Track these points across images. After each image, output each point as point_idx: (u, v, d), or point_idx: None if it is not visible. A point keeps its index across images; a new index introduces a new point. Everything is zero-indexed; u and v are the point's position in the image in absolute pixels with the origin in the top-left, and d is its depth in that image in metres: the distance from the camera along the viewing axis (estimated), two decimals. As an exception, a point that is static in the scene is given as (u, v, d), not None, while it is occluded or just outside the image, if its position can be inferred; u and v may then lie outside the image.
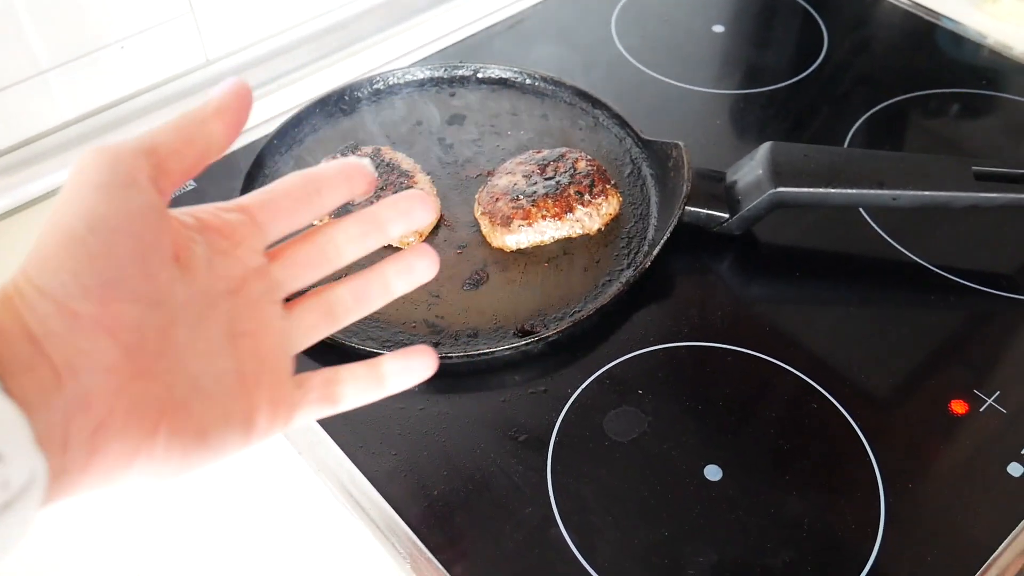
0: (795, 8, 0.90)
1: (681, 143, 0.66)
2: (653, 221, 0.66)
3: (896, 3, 0.91)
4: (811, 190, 0.62)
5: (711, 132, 0.77)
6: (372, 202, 0.65)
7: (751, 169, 0.64)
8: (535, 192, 0.65)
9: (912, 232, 0.67)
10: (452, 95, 0.77)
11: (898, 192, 0.62)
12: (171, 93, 0.76)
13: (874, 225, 0.68)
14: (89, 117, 0.74)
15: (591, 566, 0.49)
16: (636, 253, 0.64)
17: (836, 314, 0.63)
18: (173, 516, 0.53)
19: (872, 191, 0.62)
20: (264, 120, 0.76)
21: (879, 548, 0.50)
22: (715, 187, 0.65)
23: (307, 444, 0.55)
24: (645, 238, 0.65)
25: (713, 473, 0.53)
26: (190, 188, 0.70)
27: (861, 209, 0.69)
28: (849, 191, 0.62)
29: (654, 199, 0.67)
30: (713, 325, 0.61)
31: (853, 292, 0.65)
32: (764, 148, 0.65)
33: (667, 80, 0.81)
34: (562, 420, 0.56)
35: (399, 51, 0.84)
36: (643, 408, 0.56)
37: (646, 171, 0.69)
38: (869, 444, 0.55)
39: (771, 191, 0.62)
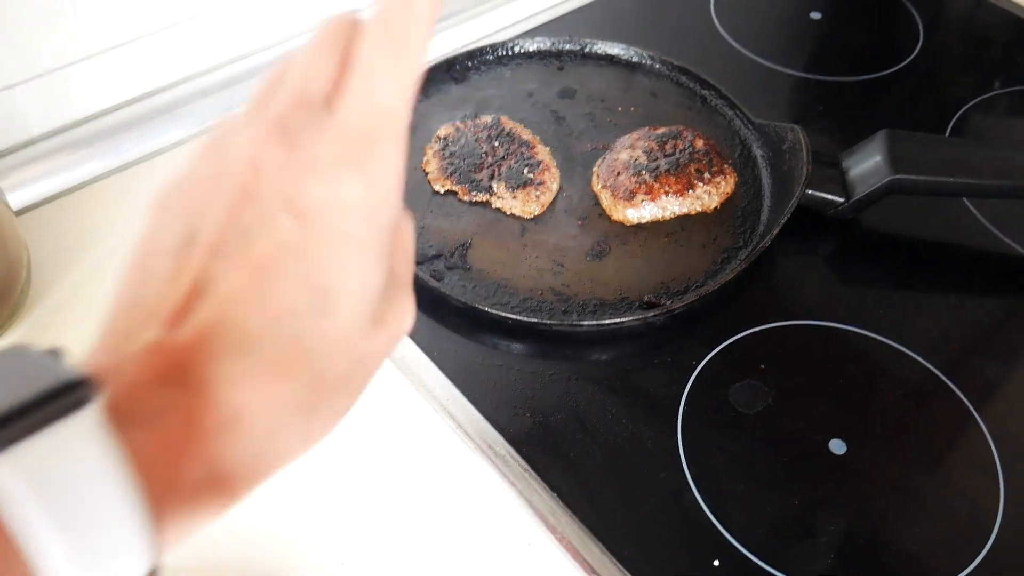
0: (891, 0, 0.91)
1: (798, 127, 0.67)
2: (767, 202, 0.67)
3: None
4: (929, 178, 0.64)
5: (813, 117, 0.78)
6: (495, 169, 0.67)
7: (867, 155, 0.66)
8: (657, 168, 0.66)
9: (1018, 224, 0.68)
10: (560, 69, 0.78)
11: (1016, 183, 0.63)
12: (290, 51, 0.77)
13: (979, 216, 0.69)
14: (207, 73, 0.76)
15: (727, 531, 0.51)
16: (751, 232, 0.65)
17: (944, 301, 0.65)
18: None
19: (989, 181, 0.64)
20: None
21: (999, 527, 0.52)
22: (830, 171, 0.67)
23: (440, 403, 0.57)
24: (759, 218, 0.66)
25: (838, 447, 0.55)
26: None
27: (966, 200, 0.70)
28: (966, 180, 0.64)
29: (766, 180, 0.69)
30: (825, 305, 0.63)
31: (959, 280, 0.66)
32: (881, 135, 0.66)
33: (766, 63, 0.82)
34: (688, 390, 0.57)
35: (500, 24, 0.85)
36: (766, 382, 0.58)
37: (756, 152, 0.71)
38: (985, 426, 0.57)
39: (889, 177, 0.63)
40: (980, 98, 0.80)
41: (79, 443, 0.22)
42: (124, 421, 0.23)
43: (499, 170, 0.67)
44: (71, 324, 0.60)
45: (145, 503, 0.23)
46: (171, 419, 0.24)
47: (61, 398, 0.22)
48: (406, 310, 0.31)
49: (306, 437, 0.28)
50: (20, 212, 0.66)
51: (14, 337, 0.59)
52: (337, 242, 0.27)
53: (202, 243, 0.27)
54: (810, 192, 0.65)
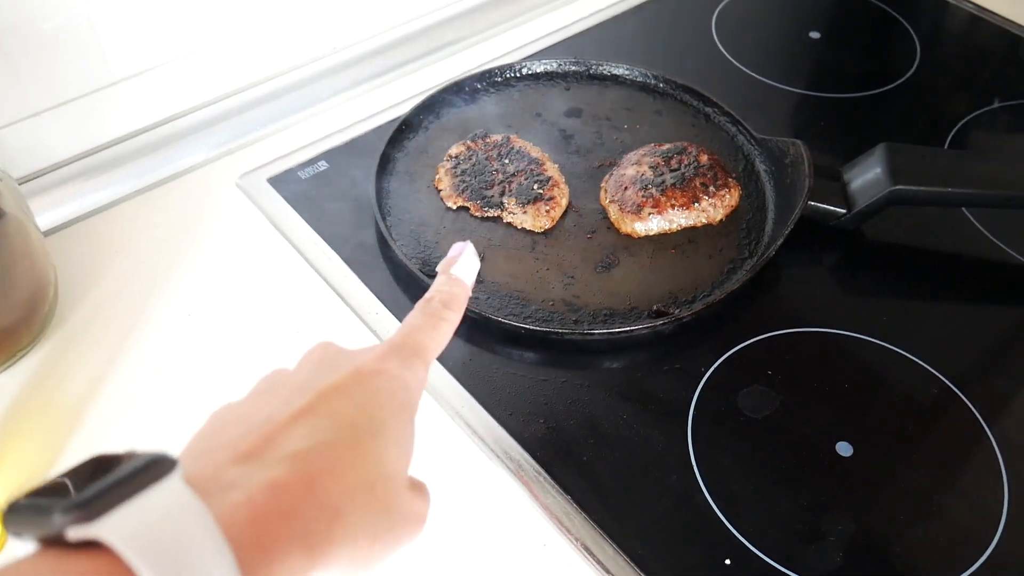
0: (888, 19, 0.94)
1: (799, 141, 0.69)
2: (771, 214, 0.69)
3: (984, 17, 0.94)
4: (928, 188, 0.66)
5: (814, 133, 0.80)
6: (506, 186, 0.69)
7: (868, 167, 0.68)
8: (663, 182, 0.68)
9: (1017, 234, 0.70)
10: (567, 89, 0.80)
11: (1013, 193, 0.65)
12: (304, 77, 0.80)
13: (979, 226, 0.71)
14: (229, 96, 0.78)
15: (737, 530, 0.52)
16: (756, 243, 0.67)
17: (945, 308, 0.66)
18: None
19: (986, 191, 0.65)
20: (389, 106, 0.79)
21: (1002, 529, 0.53)
22: (832, 184, 0.69)
23: (456, 410, 0.58)
24: (764, 229, 0.68)
25: (844, 449, 0.57)
26: (323, 169, 0.74)
27: (966, 210, 0.72)
28: (964, 190, 0.66)
29: (770, 193, 0.71)
30: (830, 313, 0.65)
31: (960, 288, 0.68)
32: (881, 148, 0.68)
33: (768, 81, 0.85)
34: (698, 396, 0.59)
35: (508, 47, 0.87)
36: (773, 387, 0.60)
37: (760, 166, 0.73)
38: (990, 430, 0.58)
39: (890, 188, 0.65)
40: (976, 113, 0.82)
41: (169, 501, 0.27)
42: (205, 493, 0.28)
43: (510, 186, 0.69)
44: (96, 340, 0.62)
45: (231, 551, 0.27)
46: (248, 487, 0.29)
47: (148, 472, 0.27)
48: (426, 503, 0.38)
49: (369, 550, 0.33)
50: (47, 233, 0.68)
51: (43, 351, 0.61)
52: (381, 391, 0.36)
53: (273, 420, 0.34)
54: (813, 204, 0.67)
